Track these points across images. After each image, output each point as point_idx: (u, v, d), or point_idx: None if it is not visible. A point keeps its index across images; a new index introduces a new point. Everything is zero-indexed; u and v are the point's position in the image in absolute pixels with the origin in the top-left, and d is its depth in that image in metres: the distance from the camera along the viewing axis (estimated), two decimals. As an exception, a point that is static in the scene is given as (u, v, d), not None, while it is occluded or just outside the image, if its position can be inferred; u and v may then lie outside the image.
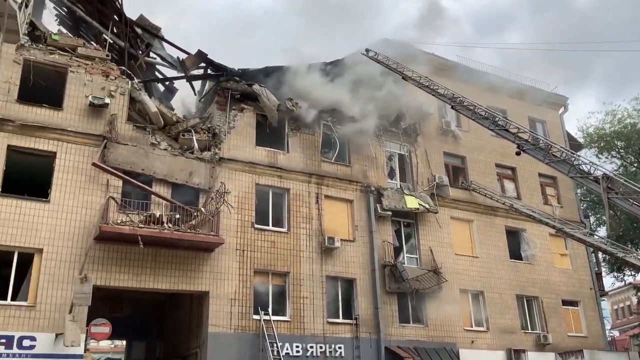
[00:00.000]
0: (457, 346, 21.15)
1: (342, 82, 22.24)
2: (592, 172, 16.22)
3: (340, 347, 19.03)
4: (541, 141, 17.89)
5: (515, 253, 24.79)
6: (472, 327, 22.22)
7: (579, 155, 17.76)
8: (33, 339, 14.84)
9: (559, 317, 24.45)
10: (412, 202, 22.15)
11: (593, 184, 16.07)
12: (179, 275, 17.37)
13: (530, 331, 23.49)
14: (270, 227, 19.63)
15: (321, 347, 18.72)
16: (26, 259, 15.79)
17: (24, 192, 16.21)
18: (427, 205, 22.37)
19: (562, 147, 17.91)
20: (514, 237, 25.12)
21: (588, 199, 35.49)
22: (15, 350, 14.58)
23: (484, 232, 24.15)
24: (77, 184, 16.85)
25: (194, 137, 19.20)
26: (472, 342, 21.68)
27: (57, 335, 14.94)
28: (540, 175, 26.86)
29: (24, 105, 16.89)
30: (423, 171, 23.64)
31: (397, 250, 21.86)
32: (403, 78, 21.66)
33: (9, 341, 14.58)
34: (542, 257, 25.17)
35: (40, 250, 15.84)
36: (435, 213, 22.70)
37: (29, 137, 16.67)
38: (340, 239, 20.17)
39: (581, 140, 34.89)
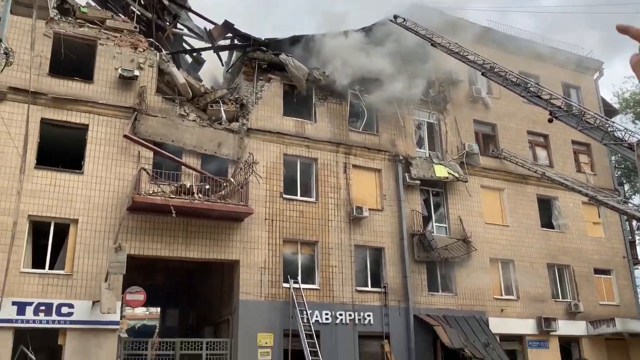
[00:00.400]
0: (486, 314, 21.18)
1: (383, 51, 21.84)
2: (626, 138, 15.83)
3: (369, 315, 19.23)
4: (574, 107, 17.44)
5: (546, 221, 24.50)
6: (502, 295, 22.19)
7: (613, 122, 17.31)
8: (71, 306, 15.35)
9: (590, 285, 24.21)
10: (441, 171, 21.98)
11: (627, 151, 15.69)
12: (210, 245, 17.68)
13: (561, 300, 23.35)
14: (299, 197, 19.75)
15: (350, 315, 18.95)
16: (62, 229, 16.23)
17: (58, 164, 16.58)
18: (456, 174, 22.18)
19: (595, 114, 17.43)
20: (545, 206, 24.79)
21: (622, 166, 34.63)
22: (54, 317, 15.11)
23: (515, 201, 23.89)
24: (110, 155, 17.15)
25: (222, 108, 19.30)
26: (502, 310, 21.66)
27: (93, 302, 15.41)
28: (573, 142, 26.31)
29: (55, 78, 17.15)
30: (452, 139, 23.37)
31: (426, 220, 21.80)
32: (432, 45, 21.19)
33: (48, 308, 15.11)
34: (575, 226, 24.85)
35: (76, 221, 16.25)
36: (465, 182, 22.51)
37: (62, 110, 16.96)
38: (369, 209, 20.20)
39: (617, 106, 33.96)
